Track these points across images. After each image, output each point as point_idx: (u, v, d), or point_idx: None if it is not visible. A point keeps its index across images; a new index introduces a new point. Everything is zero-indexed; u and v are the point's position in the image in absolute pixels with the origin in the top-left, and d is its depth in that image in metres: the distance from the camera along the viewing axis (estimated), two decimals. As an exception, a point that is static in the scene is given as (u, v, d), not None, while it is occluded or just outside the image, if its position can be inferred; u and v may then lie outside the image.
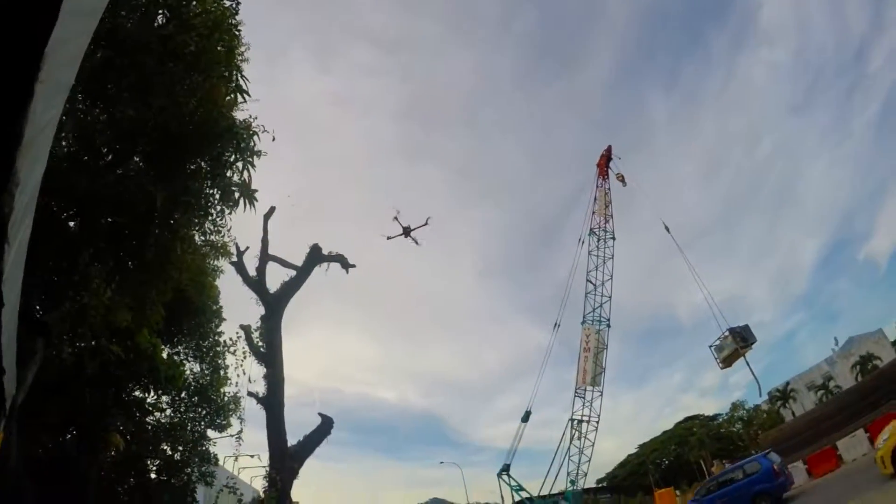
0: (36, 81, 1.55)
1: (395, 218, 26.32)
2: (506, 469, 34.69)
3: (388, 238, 26.80)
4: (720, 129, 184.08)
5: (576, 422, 33.89)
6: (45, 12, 1.52)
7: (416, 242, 26.78)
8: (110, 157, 9.41)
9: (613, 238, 36.88)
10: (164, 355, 16.28)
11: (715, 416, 75.60)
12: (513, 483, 34.30)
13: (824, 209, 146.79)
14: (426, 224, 26.82)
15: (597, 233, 37.26)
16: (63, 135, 8.48)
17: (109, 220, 8.98)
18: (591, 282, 36.39)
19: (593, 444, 33.68)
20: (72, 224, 9.34)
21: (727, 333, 31.87)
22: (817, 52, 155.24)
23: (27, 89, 1.55)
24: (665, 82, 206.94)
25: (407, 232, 26.42)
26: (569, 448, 33.41)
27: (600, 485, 77.60)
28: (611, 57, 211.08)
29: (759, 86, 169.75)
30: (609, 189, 38.18)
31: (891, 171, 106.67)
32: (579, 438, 33.61)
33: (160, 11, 9.12)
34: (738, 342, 31.20)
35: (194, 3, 9.13)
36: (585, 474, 33.36)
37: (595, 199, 38.13)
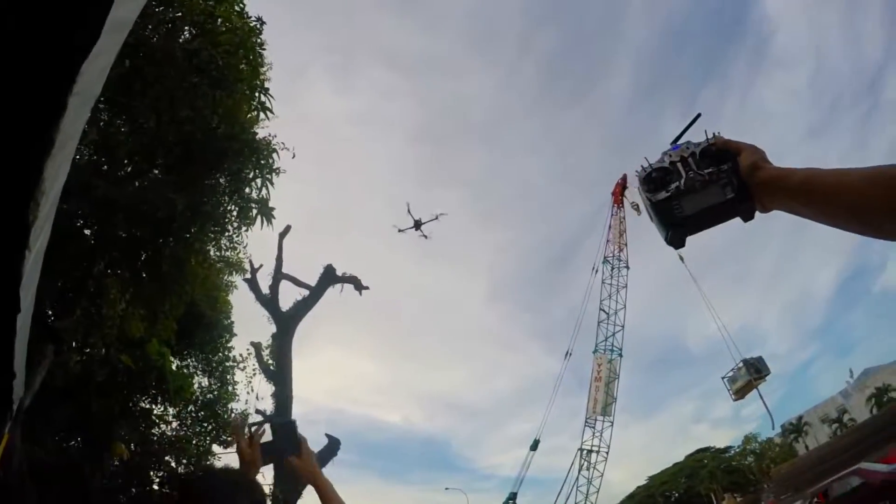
0: (70, 94, 1.56)
1: (408, 210, 26.56)
2: (512, 497, 34.19)
3: (400, 231, 27.05)
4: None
5: (585, 451, 33.42)
6: (87, 29, 1.53)
7: (426, 236, 26.90)
8: (130, 168, 9.55)
9: (627, 267, 36.83)
10: (174, 367, 16.28)
11: (727, 449, 74.04)
12: (519, 511, 33.71)
13: (839, 238, 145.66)
14: (436, 219, 26.93)
15: (611, 261, 37.17)
16: (86, 143, 8.63)
17: (126, 230, 9.07)
18: (604, 311, 36.21)
19: (602, 474, 33.18)
20: (88, 232, 9.45)
21: (741, 365, 31.46)
22: (833, 77, 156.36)
23: (62, 102, 1.56)
24: (683, 104, 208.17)
25: (418, 225, 26.65)
26: (577, 478, 32.92)
27: (607, 515, 76.02)
28: (629, 78, 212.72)
29: (775, 110, 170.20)
30: (624, 218, 38.16)
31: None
32: (588, 468, 33.10)
33: (186, 27, 9.31)
34: (752, 374, 30.78)
35: (220, 20, 9.31)
36: (593, 505, 32.71)
37: (609, 227, 38.13)
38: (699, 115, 1.38)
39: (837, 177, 1.04)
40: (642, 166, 1.32)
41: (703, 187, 1.23)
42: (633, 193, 38.73)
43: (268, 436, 2.13)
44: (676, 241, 1.31)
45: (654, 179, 1.30)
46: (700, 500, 65.09)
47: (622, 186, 38.78)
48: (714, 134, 1.29)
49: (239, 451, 2.07)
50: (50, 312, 9.38)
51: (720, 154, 1.25)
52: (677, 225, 1.29)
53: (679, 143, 1.33)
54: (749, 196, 1.20)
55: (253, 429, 2.14)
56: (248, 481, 1.87)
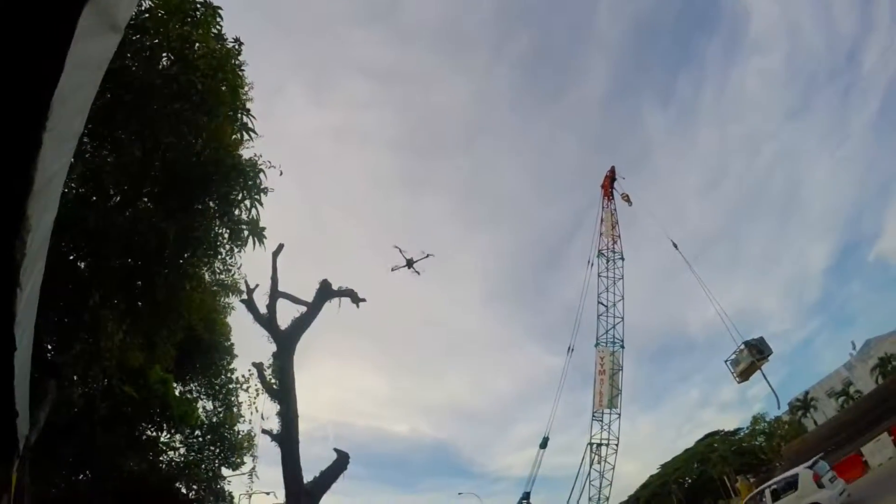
0: (44, 131, 1.59)
1: (399, 249, 26.99)
2: (526, 497, 34.11)
3: (392, 269, 27.46)
4: (719, 139, 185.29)
5: (595, 446, 33.40)
6: (49, 64, 1.57)
7: (418, 273, 27.34)
8: (119, 198, 9.55)
9: (622, 258, 36.76)
10: (177, 393, 16.26)
11: (736, 431, 74.02)
12: (533, 510, 33.67)
13: (830, 213, 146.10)
14: (427, 256, 27.42)
15: (605, 254, 37.10)
16: (73, 177, 8.62)
17: (119, 261, 9.06)
18: (602, 304, 36.13)
19: (613, 466, 33.14)
20: (82, 265, 9.44)
21: (742, 347, 31.44)
22: (809, 56, 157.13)
23: (36, 139, 1.59)
24: (661, 96, 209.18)
25: (410, 263, 27.09)
26: (589, 473, 32.89)
27: (623, 507, 75.80)
28: (605, 74, 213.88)
29: (754, 94, 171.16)
30: (615, 210, 38.13)
31: (894, 168, 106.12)
32: (599, 462, 33.06)
33: (165, 53, 9.31)
34: (754, 355, 30.76)
35: (198, 44, 9.31)
36: (607, 498, 32.72)
37: (601, 220, 38.03)
38: None
39: None
40: None
41: None
42: (622, 184, 38.91)
43: None
44: None
45: None
46: (713, 485, 65.05)
47: (611, 178, 38.80)
48: None
49: None
50: (49, 347, 9.36)
51: None
52: None
53: None
54: None
55: None
56: None
